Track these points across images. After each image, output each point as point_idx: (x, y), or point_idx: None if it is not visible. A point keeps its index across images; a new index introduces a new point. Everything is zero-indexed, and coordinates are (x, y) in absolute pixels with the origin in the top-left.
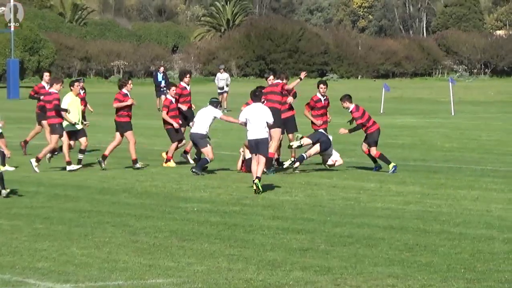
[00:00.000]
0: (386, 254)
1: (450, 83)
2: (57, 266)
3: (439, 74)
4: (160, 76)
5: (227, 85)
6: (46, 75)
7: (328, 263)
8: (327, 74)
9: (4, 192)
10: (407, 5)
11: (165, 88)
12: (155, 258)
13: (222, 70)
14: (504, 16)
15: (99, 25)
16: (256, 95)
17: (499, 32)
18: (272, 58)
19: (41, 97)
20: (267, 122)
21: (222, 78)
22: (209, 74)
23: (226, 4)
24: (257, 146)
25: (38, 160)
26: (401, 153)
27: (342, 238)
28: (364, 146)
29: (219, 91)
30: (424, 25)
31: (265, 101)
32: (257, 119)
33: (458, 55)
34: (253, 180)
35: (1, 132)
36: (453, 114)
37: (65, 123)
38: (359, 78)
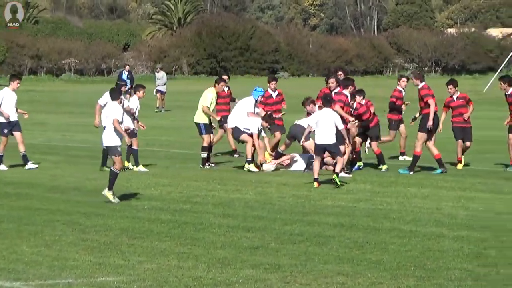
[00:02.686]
0: (336, 252)
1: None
2: (7, 264)
3: (390, 72)
4: (125, 75)
5: (164, 84)
6: None
7: (278, 261)
8: (278, 72)
9: None
10: (358, 3)
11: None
12: (105, 256)
13: (158, 69)
14: (455, 14)
15: (50, 23)
16: (328, 100)
17: (450, 30)
18: (223, 56)
19: None
20: (336, 127)
21: (158, 78)
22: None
23: (178, 2)
24: (325, 150)
25: None
26: None
27: (292, 236)
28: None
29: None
30: (375, 23)
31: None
32: (326, 124)
33: (409, 53)
34: (331, 178)
35: None
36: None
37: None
38: (309, 76)
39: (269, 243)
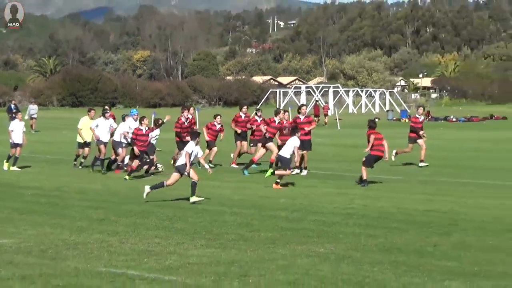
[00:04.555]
0: (154, 222)
1: (197, 111)
2: None
3: (193, 104)
4: (13, 107)
5: (35, 113)
6: None
7: (116, 228)
8: (116, 105)
9: None
10: (168, 60)
11: (15, 115)
12: (2, 226)
13: (33, 102)
14: (232, 67)
15: None
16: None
17: (228, 78)
18: (80, 95)
19: None
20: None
21: (32, 108)
22: (39, 105)
23: (49, 58)
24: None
25: None
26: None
27: (126, 212)
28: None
29: (31, 117)
30: (180, 73)
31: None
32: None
33: (202, 93)
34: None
35: None
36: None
37: None
38: (137, 107)
39: (110, 217)
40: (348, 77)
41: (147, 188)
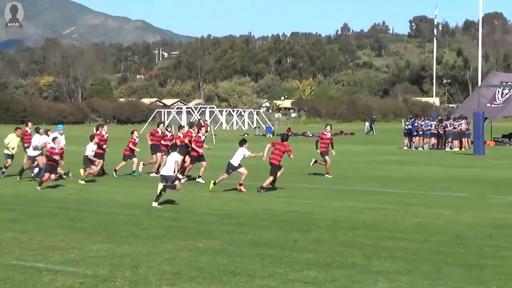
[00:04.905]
0: (59, 222)
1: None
2: None
3: (90, 122)
4: None
5: None
6: None
7: (26, 227)
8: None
9: None
10: (70, 84)
11: None
12: None
13: None
14: (124, 90)
15: None
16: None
17: (121, 99)
18: None
19: None
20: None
21: None
22: None
23: None
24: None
25: None
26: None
27: (34, 214)
28: None
29: None
30: (80, 95)
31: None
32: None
33: (99, 112)
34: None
35: None
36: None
37: None
38: (43, 124)
39: (21, 218)
40: (222, 99)
41: (154, 204)
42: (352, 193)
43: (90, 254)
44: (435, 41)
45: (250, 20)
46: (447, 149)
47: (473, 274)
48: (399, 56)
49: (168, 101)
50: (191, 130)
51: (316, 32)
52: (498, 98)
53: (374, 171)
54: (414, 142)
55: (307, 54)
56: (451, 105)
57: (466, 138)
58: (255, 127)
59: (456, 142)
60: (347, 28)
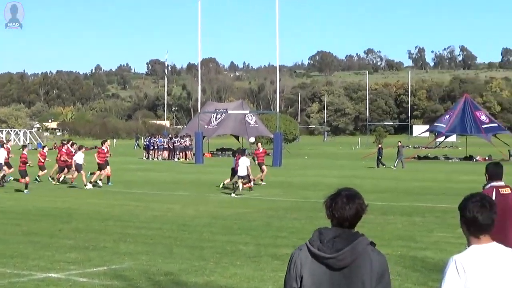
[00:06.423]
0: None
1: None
2: None
3: None
4: None
5: None
6: None
7: None
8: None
9: None
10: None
11: None
12: None
13: None
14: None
15: None
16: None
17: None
18: None
19: None
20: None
21: None
22: None
23: None
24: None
25: None
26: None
27: None
28: None
29: None
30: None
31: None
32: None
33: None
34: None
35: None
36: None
37: None
38: None
39: None
40: (2, 121)
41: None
42: (104, 193)
43: None
44: (165, 78)
45: (24, 59)
46: (176, 159)
47: (196, 253)
48: (139, 90)
49: None
50: None
51: (76, 70)
52: (213, 121)
53: (121, 176)
54: (151, 155)
55: (68, 87)
56: (178, 126)
57: (189, 151)
58: (28, 143)
59: (182, 154)
60: (99, 68)
